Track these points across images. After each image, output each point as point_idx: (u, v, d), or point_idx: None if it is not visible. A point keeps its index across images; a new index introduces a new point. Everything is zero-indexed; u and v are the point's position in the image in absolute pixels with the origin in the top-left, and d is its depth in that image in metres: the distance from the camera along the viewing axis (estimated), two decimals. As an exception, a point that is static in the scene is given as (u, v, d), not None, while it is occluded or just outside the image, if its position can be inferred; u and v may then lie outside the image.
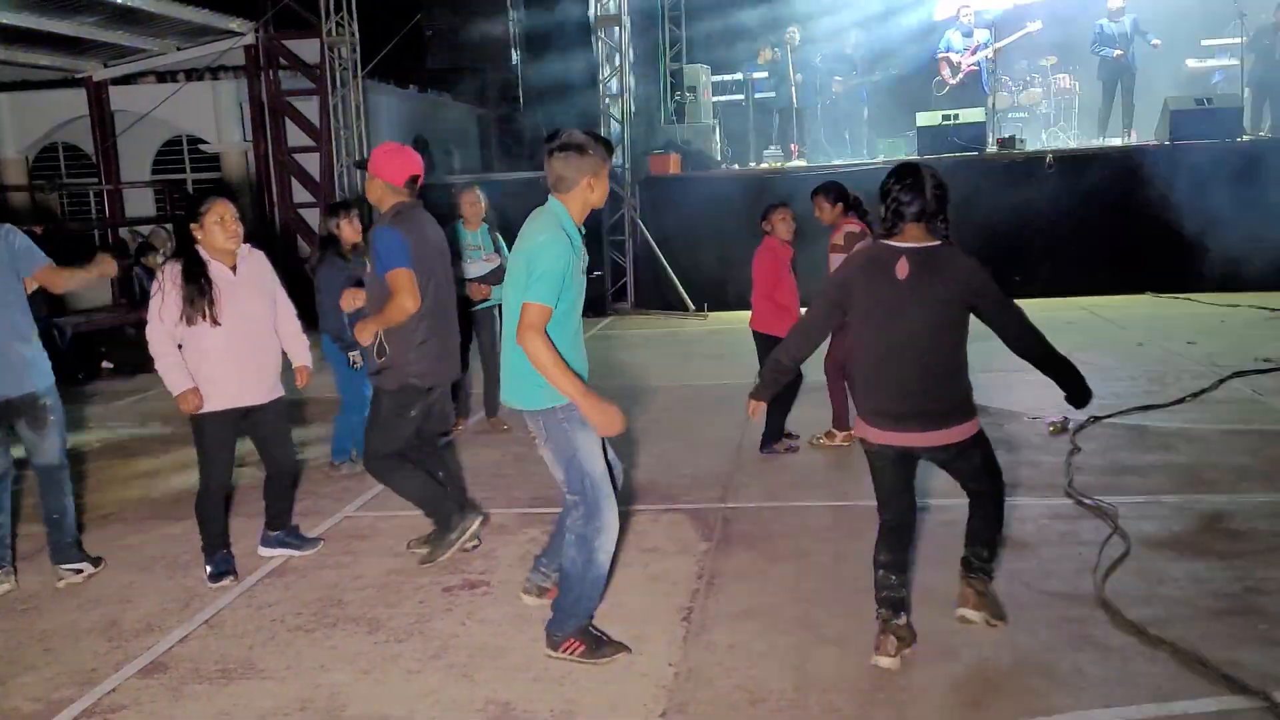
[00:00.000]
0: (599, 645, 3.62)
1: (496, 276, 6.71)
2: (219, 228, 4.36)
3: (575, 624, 3.63)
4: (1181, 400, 6.73)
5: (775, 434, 6.21)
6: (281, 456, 4.78)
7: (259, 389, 4.56)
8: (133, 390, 9.73)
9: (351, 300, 5.53)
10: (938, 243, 3.38)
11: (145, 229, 13.35)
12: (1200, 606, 3.73)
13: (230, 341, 4.39)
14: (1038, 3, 14.20)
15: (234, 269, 4.44)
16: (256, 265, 4.57)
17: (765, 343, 6.15)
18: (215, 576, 4.54)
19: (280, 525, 4.91)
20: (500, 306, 6.71)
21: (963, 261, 3.37)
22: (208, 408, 4.43)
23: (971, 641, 3.60)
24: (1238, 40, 12.45)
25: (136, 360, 10.73)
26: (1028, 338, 3.47)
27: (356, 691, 3.52)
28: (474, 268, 6.80)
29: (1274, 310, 9.97)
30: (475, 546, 4.74)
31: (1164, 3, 13.26)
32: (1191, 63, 13.99)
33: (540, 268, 3.39)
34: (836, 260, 5.91)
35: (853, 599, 4.03)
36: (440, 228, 4.66)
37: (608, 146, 3.57)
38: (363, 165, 4.76)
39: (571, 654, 3.60)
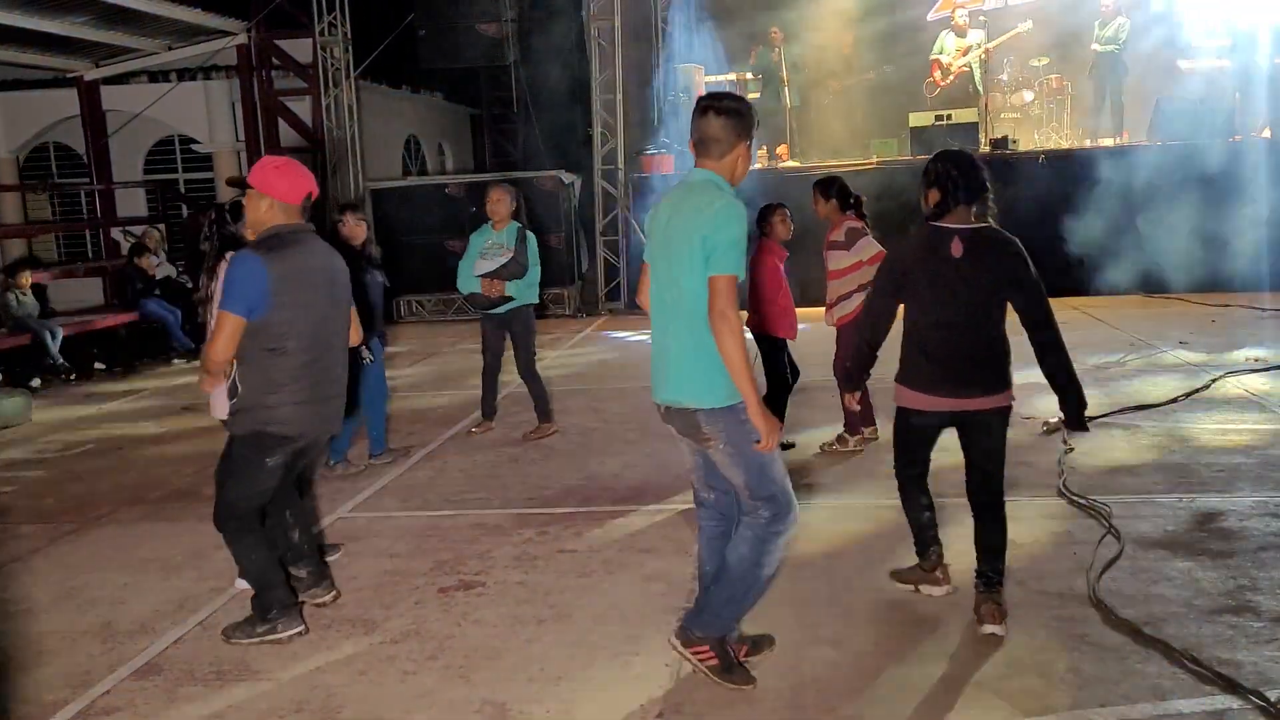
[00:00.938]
0: (730, 668, 3.35)
1: (509, 271, 6.67)
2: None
3: (718, 630, 3.37)
4: (1174, 400, 6.75)
5: None
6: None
7: None
8: (125, 391, 9.70)
9: None
10: (985, 224, 3.67)
11: (138, 229, 13.33)
12: (1194, 606, 3.75)
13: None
14: (1029, 3, 14.25)
15: None
16: None
17: (768, 346, 6.13)
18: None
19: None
20: (511, 310, 6.79)
21: (1009, 245, 3.66)
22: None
23: (967, 641, 3.61)
24: (1228, 42, 12.51)
25: (128, 360, 10.74)
26: (1043, 337, 3.69)
27: (353, 693, 3.51)
28: (485, 264, 6.71)
29: (1267, 310, 10.02)
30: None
31: (1157, 2, 13.31)
32: (1183, 63, 14.03)
33: (725, 236, 3.07)
34: (836, 256, 5.92)
35: (847, 598, 4.04)
36: (336, 256, 4.00)
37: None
38: (240, 184, 4.37)
39: (700, 659, 3.34)
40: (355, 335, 4.18)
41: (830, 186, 6.00)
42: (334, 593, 4.27)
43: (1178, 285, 11.25)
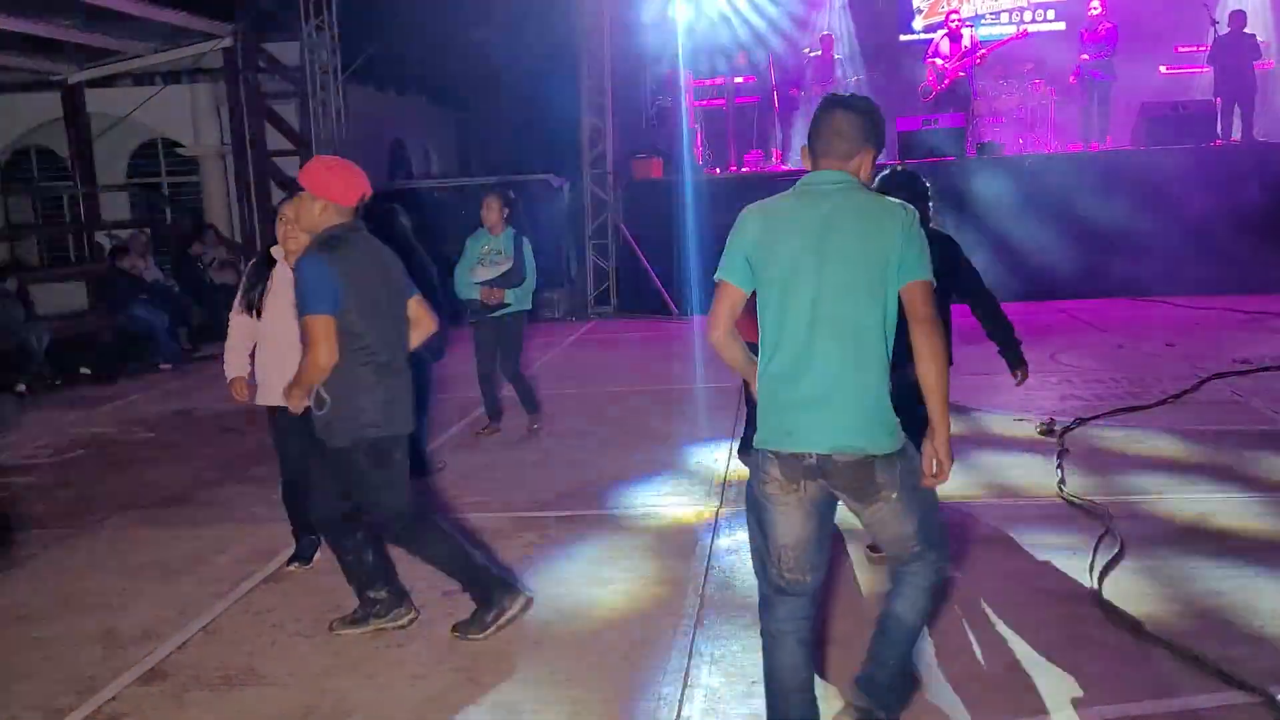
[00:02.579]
0: None
1: (507, 280, 6.68)
2: (278, 227, 4.43)
3: (905, 698, 3.11)
4: (1163, 401, 6.82)
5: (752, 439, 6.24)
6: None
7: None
8: (114, 395, 9.63)
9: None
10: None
11: (123, 233, 13.23)
12: (1194, 604, 3.80)
13: (270, 339, 4.46)
14: (1017, 9, 14.38)
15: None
16: None
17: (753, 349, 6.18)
18: (289, 560, 4.74)
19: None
20: (508, 316, 6.78)
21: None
22: (261, 401, 4.52)
23: (970, 642, 3.65)
24: (1208, 47, 12.67)
25: (115, 365, 10.66)
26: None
27: (362, 697, 3.51)
28: (484, 271, 6.71)
29: (1250, 313, 10.13)
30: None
31: (1141, 9, 13.46)
32: (1165, 69, 14.21)
33: (917, 246, 2.70)
34: None
35: (851, 598, 4.07)
36: (391, 253, 3.94)
37: None
38: (289, 185, 4.51)
39: None
40: (430, 323, 4.03)
41: None
42: (414, 613, 4.08)
43: (1162, 288, 11.36)
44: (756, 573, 2.92)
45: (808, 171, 2.87)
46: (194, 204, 15.53)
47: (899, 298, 2.71)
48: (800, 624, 2.88)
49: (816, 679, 3.00)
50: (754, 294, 2.88)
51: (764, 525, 2.82)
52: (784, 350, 2.78)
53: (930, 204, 4.33)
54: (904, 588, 2.91)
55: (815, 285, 2.72)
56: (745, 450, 6.19)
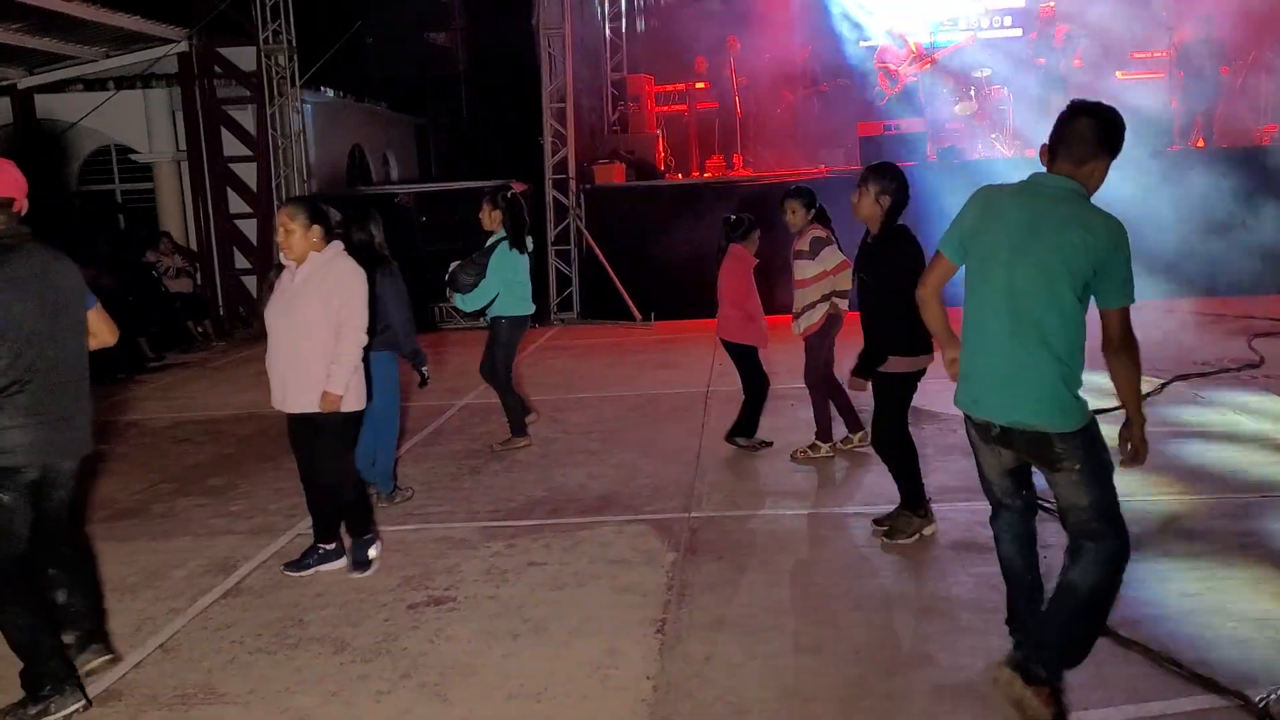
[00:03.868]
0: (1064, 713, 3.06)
1: (452, 282, 6.58)
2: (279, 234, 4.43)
3: (1071, 664, 3.13)
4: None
5: (748, 430, 6.22)
6: (314, 470, 4.63)
7: (292, 398, 4.45)
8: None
9: None
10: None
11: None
12: (1167, 606, 3.80)
13: (273, 345, 4.47)
14: (973, 15, 14.50)
15: (295, 276, 4.44)
16: (320, 274, 4.38)
17: (737, 351, 6.18)
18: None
19: (315, 540, 4.75)
20: (491, 319, 6.66)
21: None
22: (275, 406, 4.57)
23: (948, 648, 3.61)
24: (1166, 53, 12.85)
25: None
26: None
27: (325, 715, 3.40)
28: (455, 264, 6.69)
29: (1210, 315, 10.27)
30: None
31: (1095, 15, 13.62)
32: (1121, 75, 14.38)
33: (1122, 258, 2.93)
34: (802, 266, 5.92)
35: (825, 606, 4.02)
36: (62, 261, 3.56)
37: None
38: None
39: (1039, 700, 2.97)
40: (107, 335, 3.76)
41: (802, 196, 6.00)
42: (108, 656, 3.74)
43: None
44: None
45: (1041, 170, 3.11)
46: (148, 211, 15.23)
47: (1100, 313, 3.00)
48: (1014, 525, 3.38)
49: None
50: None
51: (976, 459, 3.33)
52: (976, 329, 3.14)
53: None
54: (1080, 559, 3.08)
55: (1009, 278, 3.01)
56: (733, 436, 6.23)
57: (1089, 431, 3.02)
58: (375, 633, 4.01)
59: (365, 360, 4.57)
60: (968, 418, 3.25)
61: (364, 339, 4.44)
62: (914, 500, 4.67)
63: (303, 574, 4.62)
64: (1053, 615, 3.12)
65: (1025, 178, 3.11)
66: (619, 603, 4.19)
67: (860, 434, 6.10)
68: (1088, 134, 3.00)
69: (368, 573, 4.61)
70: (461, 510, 5.56)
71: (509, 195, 6.75)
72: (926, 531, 4.66)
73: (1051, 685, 3.01)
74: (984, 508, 4.91)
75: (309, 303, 4.34)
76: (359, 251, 5.63)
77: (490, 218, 6.67)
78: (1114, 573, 3.06)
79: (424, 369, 5.76)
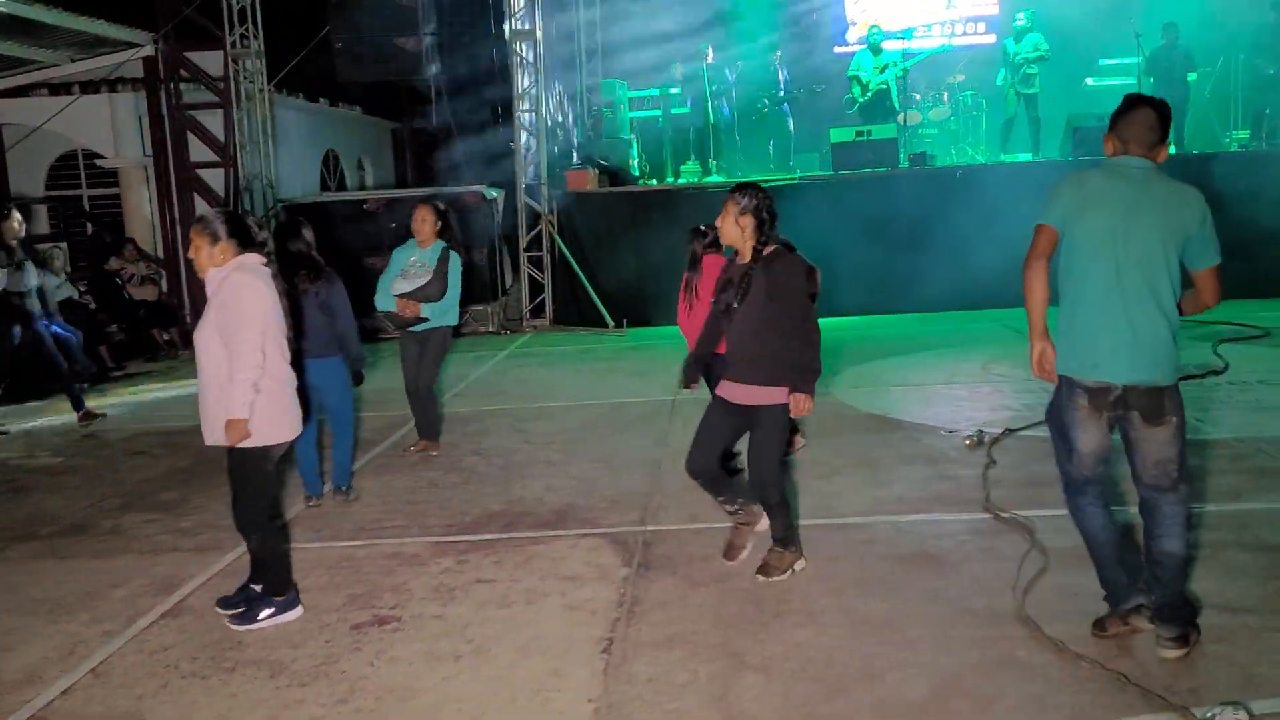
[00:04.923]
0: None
1: (423, 293, 6.49)
2: None
3: (1196, 613, 3.59)
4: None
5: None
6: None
7: (205, 430, 4.15)
8: (21, 414, 9.22)
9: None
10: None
11: (42, 247, 12.75)
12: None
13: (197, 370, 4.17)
14: (945, 21, 14.52)
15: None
16: (221, 293, 4.06)
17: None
18: None
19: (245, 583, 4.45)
20: (429, 330, 6.60)
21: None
22: None
23: (896, 664, 3.55)
24: (1134, 60, 12.89)
25: (23, 387, 10.21)
26: None
27: (255, 742, 3.31)
28: (403, 284, 6.51)
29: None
30: None
31: (1064, 21, 13.66)
32: (1090, 81, 14.44)
33: (1211, 226, 3.42)
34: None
35: (775, 623, 3.95)
36: None
37: None
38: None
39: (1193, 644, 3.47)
40: None
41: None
42: None
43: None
44: (1060, 466, 3.67)
45: (1115, 156, 3.49)
46: (115, 217, 15.05)
47: (1191, 276, 3.43)
48: (1099, 499, 3.64)
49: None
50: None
51: (1070, 435, 3.55)
52: (1091, 301, 3.43)
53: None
54: (1166, 527, 3.46)
55: (1125, 251, 3.37)
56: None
57: (1178, 386, 3.44)
58: (315, 655, 3.91)
59: (304, 379, 4.42)
60: (1076, 387, 3.47)
61: (256, 357, 4.01)
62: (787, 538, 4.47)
63: (252, 627, 4.18)
64: (1165, 584, 3.47)
65: (1104, 163, 3.52)
66: (568, 621, 4.11)
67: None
68: (1157, 124, 3.45)
69: (247, 626, 4.18)
70: (415, 525, 5.46)
71: (444, 207, 6.77)
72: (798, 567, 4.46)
73: (1188, 640, 3.46)
74: (940, 520, 4.93)
75: (204, 325, 4.10)
76: (299, 262, 5.65)
77: (434, 228, 6.58)
78: (1191, 524, 3.58)
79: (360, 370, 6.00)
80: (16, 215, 8.53)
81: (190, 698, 3.62)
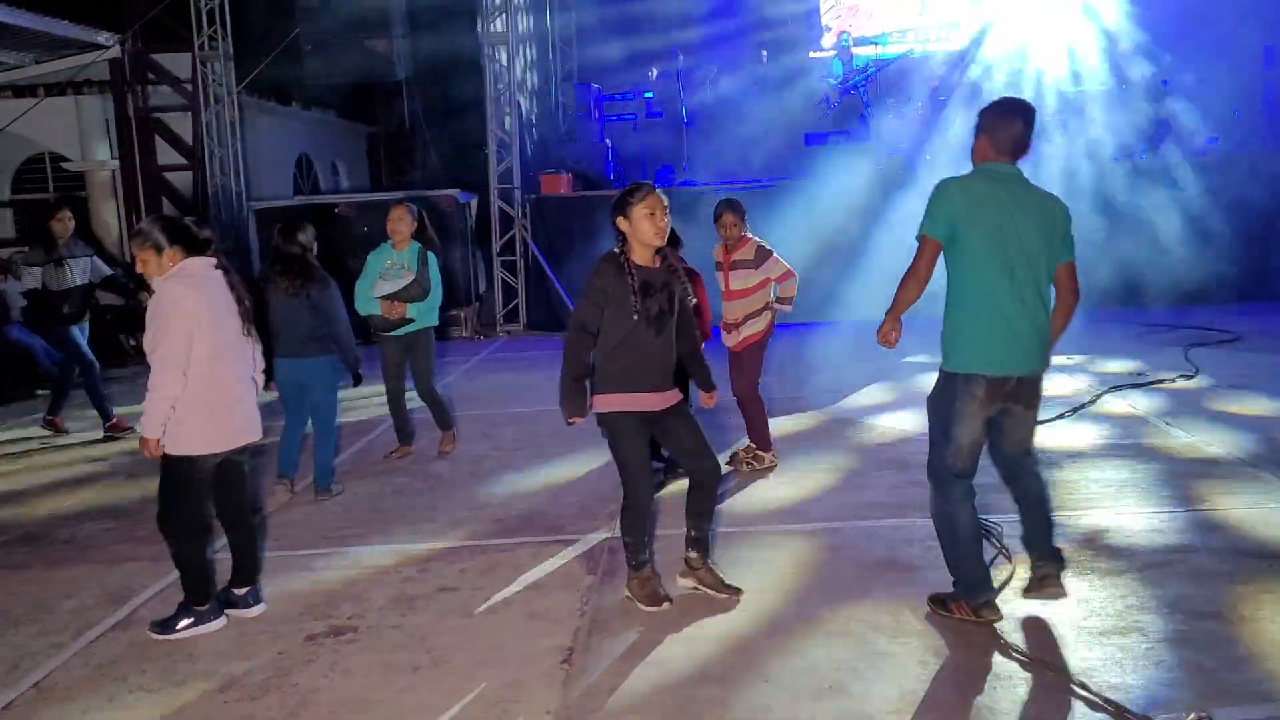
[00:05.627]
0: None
1: (409, 293, 6.41)
2: None
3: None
4: (1061, 416, 6.82)
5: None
6: None
7: None
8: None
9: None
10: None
11: (3, 252, 12.53)
12: (1085, 628, 3.69)
13: None
14: (920, 26, 14.56)
15: None
16: (151, 303, 3.94)
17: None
18: None
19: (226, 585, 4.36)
20: (414, 332, 6.50)
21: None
22: None
23: (859, 675, 3.48)
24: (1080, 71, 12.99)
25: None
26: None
27: (201, 759, 3.20)
28: (386, 286, 6.44)
29: (1145, 325, 10.31)
30: None
31: (1016, 34, 13.73)
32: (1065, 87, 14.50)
33: (1072, 231, 3.71)
34: (743, 275, 5.88)
35: (738, 631, 3.88)
36: None
37: None
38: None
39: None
40: None
41: (740, 206, 5.93)
42: None
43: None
44: (933, 463, 3.78)
45: (988, 161, 3.69)
46: (82, 221, 14.83)
47: (1058, 269, 3.68)
48: (972, 492, 3.78)
49: None
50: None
51: (959, 429, 3.67)
52: (988, 299, 3.59)
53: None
54: (1029, 477, 3.86)
55: (1012, 250, 3.57)
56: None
57: None
58: (267, 667, 3.80)
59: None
60: (976, 380, 3.61)
61: (171, 376, 3.86)
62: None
63: (170, 636, 4.07)
64: (1040, 522, 3.88)
65: (981, 169, 3.70)
66: (529, 631, 4.02)
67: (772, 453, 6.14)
68: (1027, 135, 3.67)
69: (164, 635, 4.06)
70: (377, 532, 5.36)
71: (417, 209, 6.71)
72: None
73: (1060, 572, 3.86)
74: (908, 524, 4.88)
75: (146, 335, 3.95)
76: (291, 264, 5.66)
77: (407, 227, 6.51)
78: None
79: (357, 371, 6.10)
80: (65, 212, 8.00)
81: (137, 712, 3.51)
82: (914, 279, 3.68)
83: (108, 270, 8.36)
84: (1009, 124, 3.64)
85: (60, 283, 7.96)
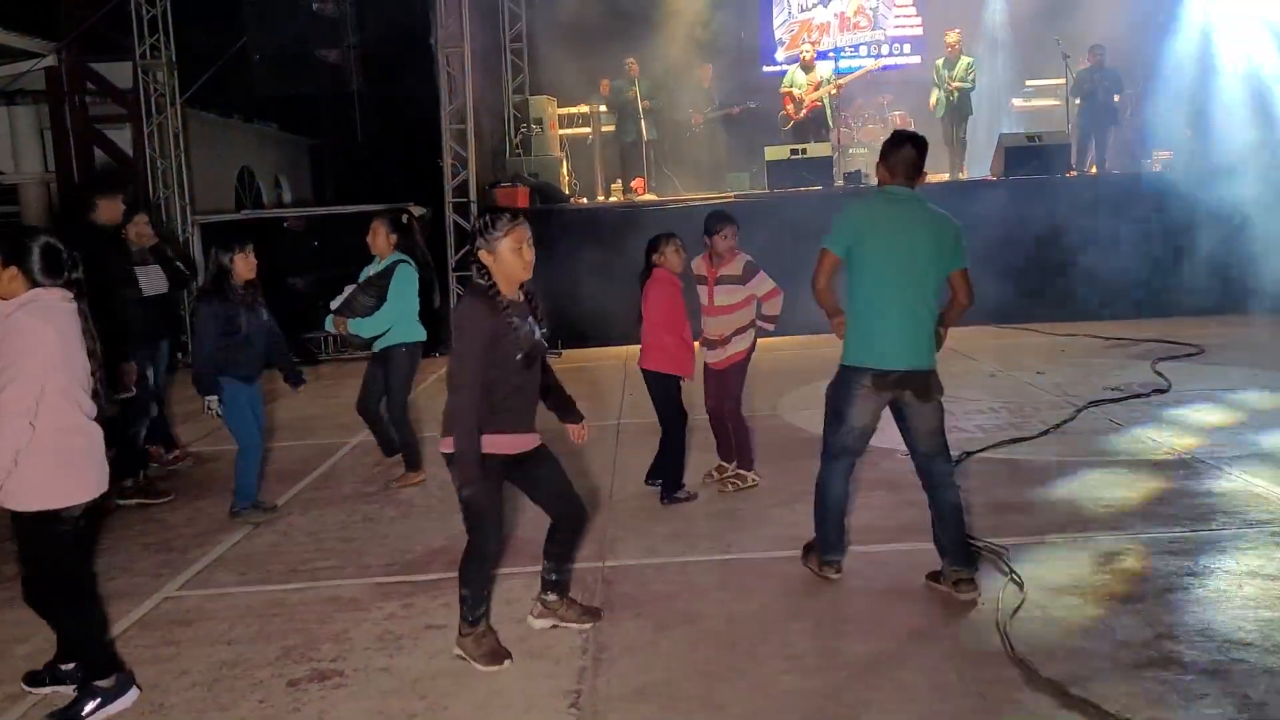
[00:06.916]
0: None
1: (348, 307, 6.15)
2: None
3: (975, 558, 4.39)
4: (1046, 432, 6.75)
5: (678, 481, 5.81)
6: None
7: None
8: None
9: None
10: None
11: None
12: (1116, 659, 3.55)
13: None
14: (875, 42, 14.60)
15: None
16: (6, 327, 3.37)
17: (661, 383, 5.73)
18: None
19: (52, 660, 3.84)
20: (385, 349, 6.22)
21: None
22: None
23: (886, 710, 3.30)
24: (1061, 81, 13.09)
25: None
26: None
27: (183, 828, 2.90)
28: (339, 298, 6.25)
29: (1109, 339, 10.36)
30: None
31: (992, 43, 13.84)
32: (1017, 102, 14.65)
33: (963, 244, 4.16)
34: (729, 291, 5.74)
35: (755, 668, 3.68)
36: None
37: None
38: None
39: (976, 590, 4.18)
40: None
41: (733, 220, 5.77)
42: None
43: (1023, 316, 11.52)
44: (825, 439, 4.35)
45: (885, 184, 4.21)
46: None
47: (952, 276, 4.17)
48: (848, 470, 4.37)
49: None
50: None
51: (849, 413, 4.21)
52: (878, 303, 4.10)
53: None
54: (942, 483, 4.22)
55: (904, 261, 4.07)
56: (669, 495, 5.69)
57: (936, 370, 4.21)
58: (248, 717, 3.51)
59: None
60: (863, 372, 4.13)
61: (24, 414, 3.29)
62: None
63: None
64: (952, 529, 4.19)
65: (879, 192, 4.23)
66: (530, 671, 3.77)
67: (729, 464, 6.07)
68: (917, 159, 4.17)
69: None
70: (352, 564, 5.06)
71: (407, 219, 6.43)
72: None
73: (974, 576, 4.18)
74: (912, 549, 4.71)
75: None
76: (217, 281, 5.57)
77: (387, 241, 6.27)
78: (956, 479, 4.33)
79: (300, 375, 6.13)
80: (143, 216, 7.19)
81: (106, 775, 3.19)
82: (814, 286, 4.25)
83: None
84: (900, 151, 4.14)
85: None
